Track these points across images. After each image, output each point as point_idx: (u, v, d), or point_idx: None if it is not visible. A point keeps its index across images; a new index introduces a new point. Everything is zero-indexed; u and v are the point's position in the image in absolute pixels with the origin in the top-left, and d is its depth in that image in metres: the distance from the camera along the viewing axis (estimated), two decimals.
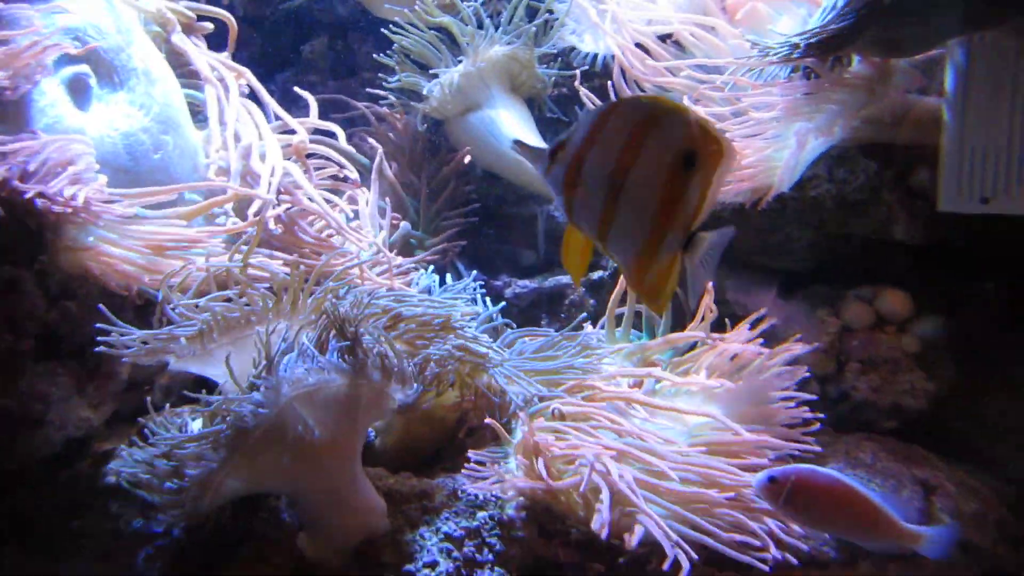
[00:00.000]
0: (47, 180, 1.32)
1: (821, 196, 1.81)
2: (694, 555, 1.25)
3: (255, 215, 1.54)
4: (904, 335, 1.81)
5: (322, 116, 1.90)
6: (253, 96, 1.80)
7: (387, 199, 1.89)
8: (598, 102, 1.89)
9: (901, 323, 1.82)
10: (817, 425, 1.56)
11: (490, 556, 1.30)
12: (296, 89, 1.92)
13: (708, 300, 1.68)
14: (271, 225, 1.58)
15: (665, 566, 1.22)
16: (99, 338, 1.33)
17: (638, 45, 1.87)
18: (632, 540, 1.26)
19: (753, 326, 1.66)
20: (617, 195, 0.97)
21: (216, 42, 1.84)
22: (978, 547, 1.51)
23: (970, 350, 1.80)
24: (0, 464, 1.35)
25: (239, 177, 1.58)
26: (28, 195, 1.30)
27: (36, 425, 1.37)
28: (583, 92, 1.90)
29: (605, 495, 1.29)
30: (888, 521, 1.28)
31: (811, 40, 1.46)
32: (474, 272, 1.84)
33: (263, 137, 1.66)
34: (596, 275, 2.00)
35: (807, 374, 1.63)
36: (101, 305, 1.36)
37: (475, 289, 1.70)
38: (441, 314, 1.45)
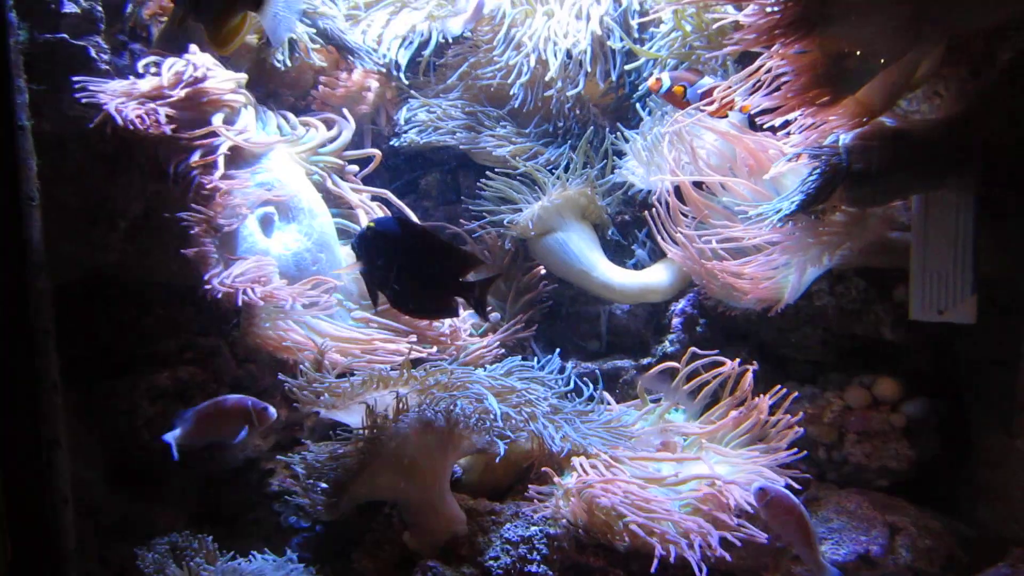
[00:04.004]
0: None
1: (824, 305, 2.25)
2: None
3: None
4: (894, 413, 2.21)
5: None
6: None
7: None
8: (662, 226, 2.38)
9: (893, 404, 2.22)
10: None
11: (537, 556, 1.80)
12: None
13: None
14: None
15: None
16: (287, 385, 1.91)
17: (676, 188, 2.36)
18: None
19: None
20: None
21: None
22: (926, 573, 1.93)
23: (951, 424, 2.20)
24: (208, 470, 1.94)
25: None
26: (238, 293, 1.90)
27: (227, 447, 1.96)
28: (647, 216, 2.34)
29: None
30: (812, 548, 1.81)
31: (789, 210, 1.94)
32: (557, 353, 2.36)
33: None
34: (646, 360, 2.47)
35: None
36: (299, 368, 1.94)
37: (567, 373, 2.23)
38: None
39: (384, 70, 2.58)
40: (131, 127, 1.68)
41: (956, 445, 2.19)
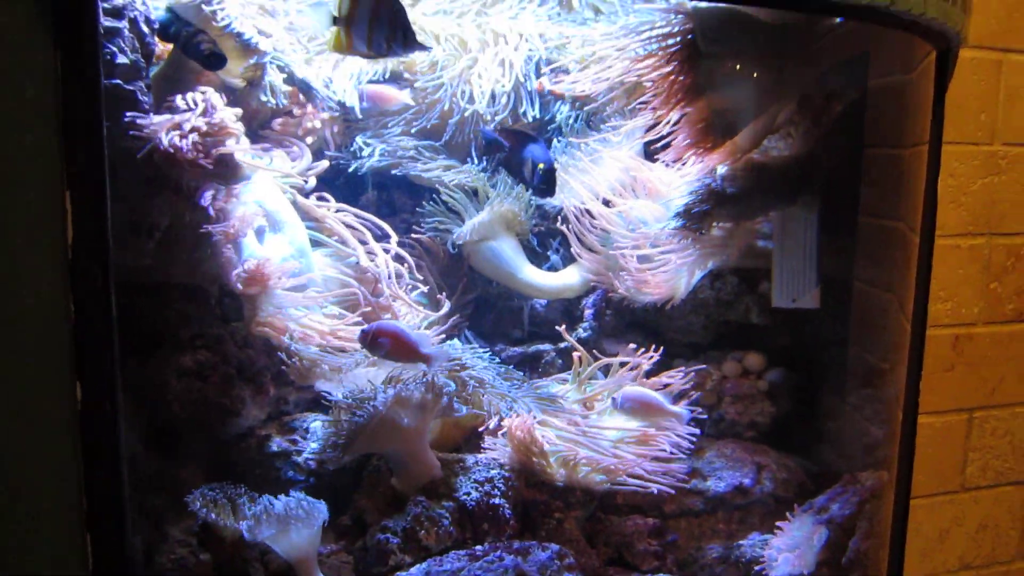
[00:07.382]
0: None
1: (705, 297, 2.85)
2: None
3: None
4: (759, 380, 2.85)
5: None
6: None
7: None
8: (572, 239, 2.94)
9: (758, 373, 2.86)
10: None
11: (498, 492, 2.30)
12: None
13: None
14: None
15: None
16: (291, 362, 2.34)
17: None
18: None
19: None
20: None
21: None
22: (783, 498, 2.52)
23: (801, 388, 2.84)
24: (221, 436, 2.35)
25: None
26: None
27: (236, 416, 2.36)
28: (561, 227, 2.94)
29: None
30: (668, 410, 2.38)
31: (679, 225, 2.53)
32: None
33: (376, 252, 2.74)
34: (563, 344, 2.99)
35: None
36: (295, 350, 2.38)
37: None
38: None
39: (336, 108, 3.01)
40: (171, 152, 2.08)
41: (805, 404, 2.83)
